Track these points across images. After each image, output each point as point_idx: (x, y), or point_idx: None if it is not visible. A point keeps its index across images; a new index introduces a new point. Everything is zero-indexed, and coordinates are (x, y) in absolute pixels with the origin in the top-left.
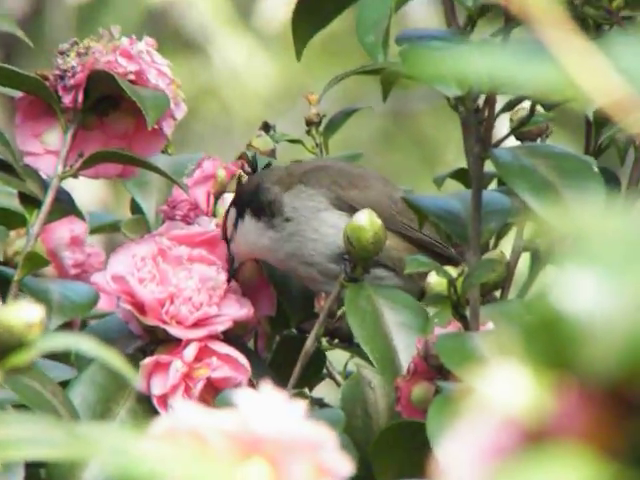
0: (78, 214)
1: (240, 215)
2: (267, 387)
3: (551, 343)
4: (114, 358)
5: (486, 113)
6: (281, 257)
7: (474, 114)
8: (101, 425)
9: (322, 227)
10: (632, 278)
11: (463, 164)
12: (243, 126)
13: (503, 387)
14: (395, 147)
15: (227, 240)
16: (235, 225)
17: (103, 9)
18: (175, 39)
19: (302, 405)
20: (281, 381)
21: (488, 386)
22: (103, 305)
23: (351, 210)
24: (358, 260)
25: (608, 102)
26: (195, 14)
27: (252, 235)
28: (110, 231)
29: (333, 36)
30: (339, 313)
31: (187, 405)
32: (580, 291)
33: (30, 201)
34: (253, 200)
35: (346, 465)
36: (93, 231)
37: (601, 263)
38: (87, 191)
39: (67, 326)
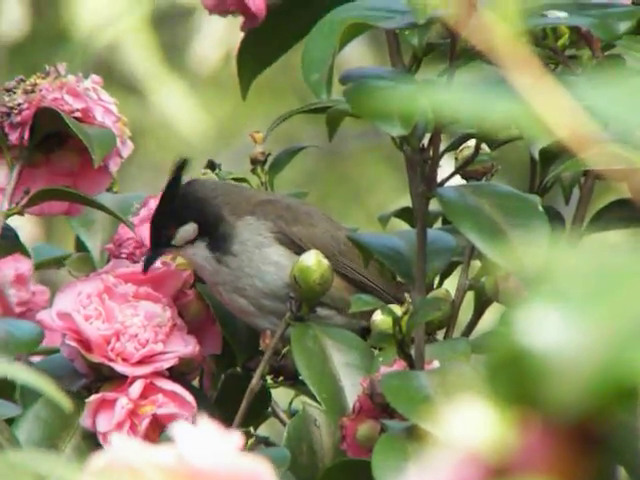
0: (23, 251)
1: (199, 236)
2: (205, 421)
3: (514, 379)
4: (53, 389)
5: (431, 152)
6: (219, 284)
7: (419, 153)
8: (43, 457)
9: (264, 264)
10: (595, 314)
11: (400, 204)
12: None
13: (465, 424)
14: (328, 186)
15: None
16: (191, 242)
17: (37, 47)
18: (111, 79)
19: (238, 439)
20: (226, 419)
21: (449, 423)
22: (48, 343)
23: (294, 246)
24: (304, 300)
25: (568, 135)
26: (128, 54)
27: (199, 259)
28: (54, 266)
29: (266, 76)
30: (284, 351)
31: (125, 440)
32: (543, 327)
33: None
34: (214, 231)
35: None
36: (38, 266)
37: (566, 298)
38: (31, 227)
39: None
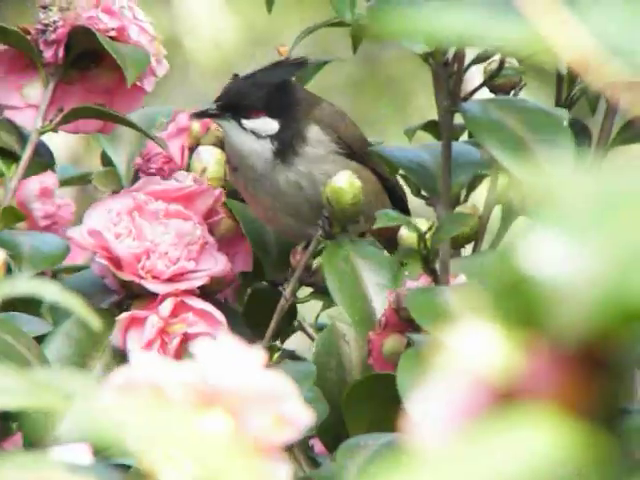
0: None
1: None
2: (227, 338)
3: (520, 303)
4: (78, 304)
5: (455, 67)
6: (262, 184)
7: (444, 67)
8: (68, 373)
9: (321, 174)
10: (600, 237)
11: (435, 113)
12: (208, 77)
13: (473, 346)
14: (366, 95)
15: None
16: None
17: None
18: None
19: (261, 355)
20: (254, 334)
21: (458, 345)
22: (74, 259)
23: (348, 149)
24: (336, 220)
25: (574, 56)
26: None
27: (259, 149)
28: (80, 183)
29: None
30: (314, 267)
31: (146, 356)
32: (548, 251)
33: (8, 155)
34: (286, 131)
35: (307, 416)
36: (64, 183)
37: (569, 222)
38: (57, 143)
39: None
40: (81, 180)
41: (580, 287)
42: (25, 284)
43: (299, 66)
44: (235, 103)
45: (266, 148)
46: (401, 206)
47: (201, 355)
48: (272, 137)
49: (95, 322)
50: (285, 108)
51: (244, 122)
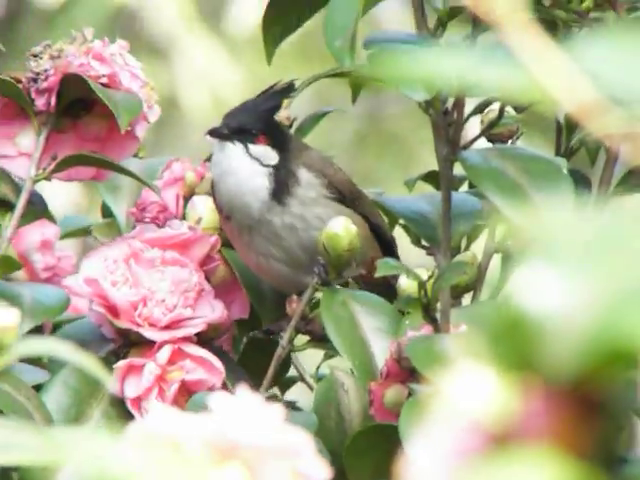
0: (49, 217)
1: (273, 167)
2: (243, 391)
3: (515, 344)
4: (89, 362)
5: (455, 115)
6: (256, 228)
7: (443, 116)
8: (76, 429)
9: (316, 217)
10: (593, 277)
11: (436, 166)
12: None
13: (468, 390)
14: (368, 149)
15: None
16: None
17: (72, 12)
18: (142, 43)
19: (279, 410)
20: (249, 383)
21: (454, 389)
22: (74, 309)
23: (338, 194)
24: (332, 266)
25: (575, 105)
26: (162, 17)
27: (257, 186)
28: (82, 235)
29: (303, 37)
30: (311, 315)
31: (163, 410)
32: (541, 291)
33: (3, 204)
34: (284, 169)
35: (323, 470)
36: (66, 235)
37: (563, 262)
38: (60, 194)
39: (38, 330)
40: (83, 232)
41: (573, 325)
42: (39, 344)
43: (287, 91)
44: (240, 129)
45: (263, 186)
46: (390, 252)
47: (218, 408)
48: (272, 168)
49: (103, 375)
50: (281, 143)
51: (251, 147)
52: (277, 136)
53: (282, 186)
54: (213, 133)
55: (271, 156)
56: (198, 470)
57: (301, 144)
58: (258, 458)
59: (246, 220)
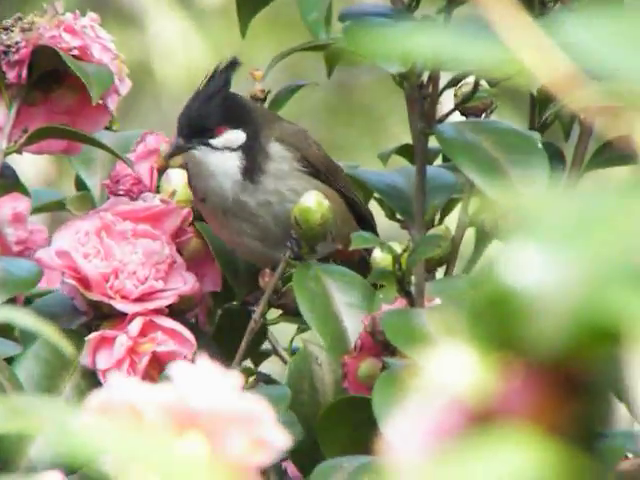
0: (22, 190)
1: (240, 147)
2: (204, 361)
3: (496, 321)
4: (53, 332)
5: (430, 89)
6: (231, 207)
7: (418, 90)
8: (43, 399)
9: (289, 190)
10: (576, 253)
11: (409, 138)
12: (180, 101)
13: (448, 367)
14: (339, 120)
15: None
16: (231, 149)
17: None
18: (113, 14)
19: (238, 378)
20: (224, 355)
21: (432, 365)
22: (47, 282)
23: (311, 168)
24: (305, 240)
25: (550, 79)
26: None
27: (229, 169)
28: (55, 209)
29: (274, 10)
30: (283, 289)
31: (123, 378)
32: (524, 267)
33: None
34: (253, 146)
35: (283, 438)
36: (38, 209)
37: (545, 239)
38: (31, 168)
39: (10, 303)
40: (56, 205)
41: (556, 302)
42: (3, 313)
43: (233, 67)
44: (197, 128)
45: (235, 167)
46: (370, 229)
47: (178, 377)
48: (242, 148)
49: (68, 348)
50: (243, 121)
51: (212, 142)
52: (239, 115)
53: (253, 164)
54: (174, 153)
55: (237, 137)
56: (158, 438)
57: (271, 116)
58: (218, 426)
59: (220, 202)
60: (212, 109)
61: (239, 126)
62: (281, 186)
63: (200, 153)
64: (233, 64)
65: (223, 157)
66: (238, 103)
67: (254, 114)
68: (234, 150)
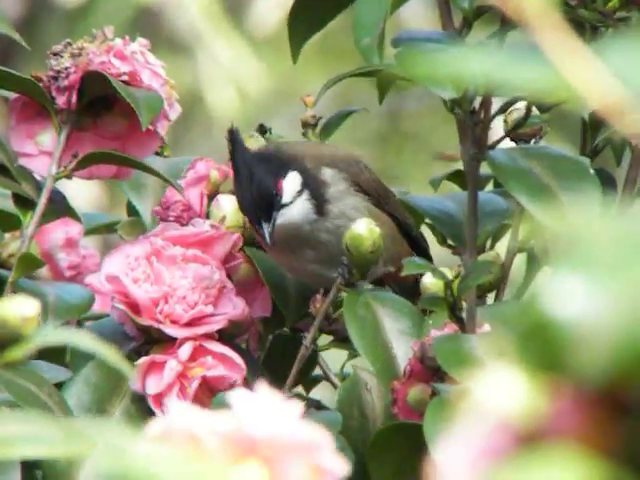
0: (73, 215)
1: (302, 186)
2: (263, 388)
3: (544, 346)
4: (109, 353)
5: (482, 115)
6: (320, 238)
7: (470, 116)
8: (97, 423)
9: (353, 211)
10: (622, 282)
11: (460, 165)
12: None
13: (497, 390)
14: (390, 147)
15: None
16: (299, 192)
17: (95, 10)
18: (165, 40)
19: (297, 406)
20: (274, 381)
21: (483, 389)
22: (98, 307)
23: (366, 195)
24: (356, 267)
25: (602, 104)
26: (186, 16)
27: (305, 210)
28: (105, 232)
29: (326, 37)
30: (334, 315)
31: (182, 406)
32: (571, 295)
33: (24, 203)
34: (310, 181)
35: (342, 466)
36: (88, 232)
37: (592, 267)
38: (84, 193)
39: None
40: (106, 229)
41: (601, 329)
42: (57, 334)
43: (236, 135)
44: (264, 203)
45: (309, 208)
46: (423, 253)
47: (237, 405)
48: (303, 185)
49: (127, 369)
50: (283, 163)
51: (284, 201)
52: (277, 161)
53: (318, 196)
54: (265, 243)
55: (294, 178)
56: (217, 466)
57: (308, 146)
58: (277, 454)
59: (296, 242)
60: (257, 176)
61: (286, 170)
62: (343, 207)
63: (282, 218)
64: (234, 134)
65: (302, 205)
66: (277, 154)
67: (286, 151)
68: (300, 192)
